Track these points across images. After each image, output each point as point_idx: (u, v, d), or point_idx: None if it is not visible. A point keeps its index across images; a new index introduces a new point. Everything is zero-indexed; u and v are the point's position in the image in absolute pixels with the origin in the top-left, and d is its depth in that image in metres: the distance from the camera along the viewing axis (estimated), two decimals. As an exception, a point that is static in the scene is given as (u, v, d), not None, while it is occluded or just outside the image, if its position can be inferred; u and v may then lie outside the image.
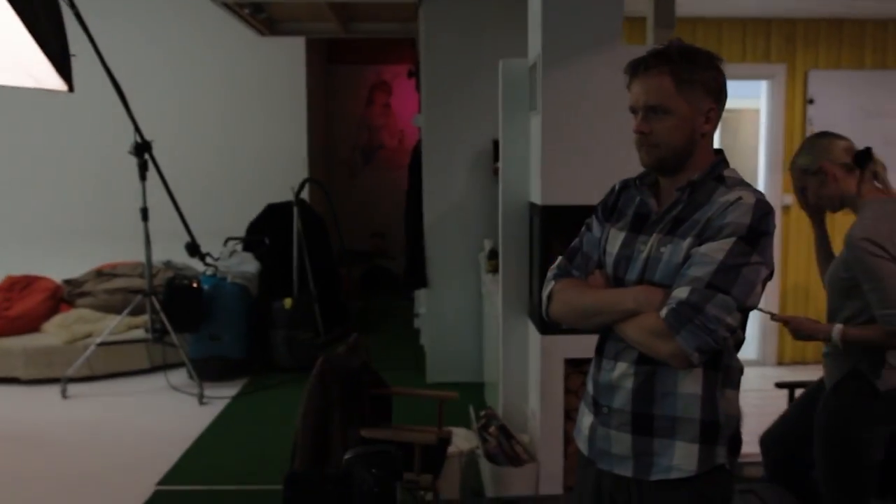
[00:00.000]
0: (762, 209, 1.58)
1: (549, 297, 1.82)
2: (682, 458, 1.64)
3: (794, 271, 5.55)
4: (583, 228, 1.87)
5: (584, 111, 3.15)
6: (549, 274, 1.86)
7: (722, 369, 1.66)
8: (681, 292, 1.56)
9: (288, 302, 5.83)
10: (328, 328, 6.48)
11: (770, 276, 1.61)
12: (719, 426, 1.65)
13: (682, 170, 1.68)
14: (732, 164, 1.73)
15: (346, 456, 1.60)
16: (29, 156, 7.47)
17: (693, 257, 1.58)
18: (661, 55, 1.64)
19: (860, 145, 2.47)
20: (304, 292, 6.16)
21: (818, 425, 2.55)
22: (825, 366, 2.57)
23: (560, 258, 1.87)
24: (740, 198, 1.59)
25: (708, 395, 1.64)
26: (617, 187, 1.85)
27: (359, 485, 1.41)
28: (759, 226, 1.57)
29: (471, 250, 5.47)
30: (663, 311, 1.57)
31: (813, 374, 5.03)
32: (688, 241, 1.61)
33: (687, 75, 1.62)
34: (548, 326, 3.24)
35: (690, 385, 1.63)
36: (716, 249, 1.56)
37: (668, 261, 1.63)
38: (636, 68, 1.67)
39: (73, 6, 4.77)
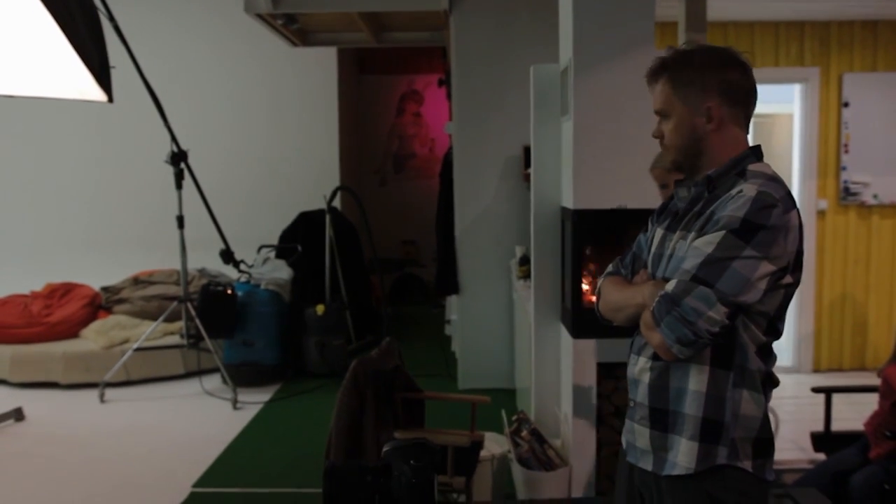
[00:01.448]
0: (762, 201, 1.55)
1: (598, 293, 1.89)
2: (683, 454, 1.65)
3: (830, 281, 5.45)
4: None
5: (616, 115, 3.16)
6: (604, 272, 1.94)
7: (734, 369, 1.63)
8: (669, 285, 1.59)
9: (320, 309, 5.89)
10: (359, 335, 6.53)
11: (782, 272, 1.57)
12: (723, 426, 1.63)
13: (700, 169, 1.70)
14: None
15: (385, 448, 1.62)
16: (67, 166, 7.64)
17: (689, 250, 1.60)
18: (661, 62, 1.71)
19: None
20: (335, 299, 6.21)
21: None
22: None
23: (618, 258, 1.94)
24: (741, 190, 1.58)
25: (713, 393, 1.62)
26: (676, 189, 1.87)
27: (397, 477, 1.43)
28: (754, 219, 1.53)
29: (502, 256, 5.48)
30: (652, 304, 1.61)
31: (849, 380, 4.98)
32: (692, 235, 1.63)
33: (681, 76, 1.67)
34: (580, 331, 3.24)
35: (696, 382, 1.64)
36: (706, 242, 1.57)
37: (677, 255, 1.66)
38: (648, 77, 1.74)
39: (112, 19, 4.89)
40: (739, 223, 1.54)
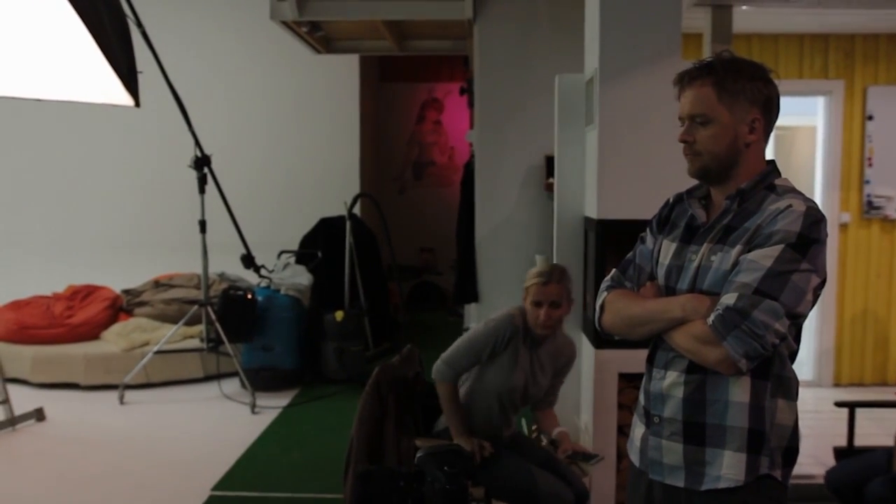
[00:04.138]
0: (813, 217, 1.59)
1: (602, 307, 1.85)
2: (729, 467, 1.64)
3: (852, 295, 5.41)
4: (637, 241, 1.91)
5: (642, 126, 3.15)
6: (603, 285, 1.90)
7: (772, 379, 1.65)
8: (728, 298, 1.57)
9: (339, 314, 5.90)
10: (377, 341, 6.54)
11: (822, 284, 1.61)
12: (765, 435, 1.64)
13: (729, 179, 1.70)
14: None
15: (418, 454, 1.62)
16: (91, 169, 7.72)
17: (741, 264, 1.59)
18: (706, 66, 1.69)
19: None
20: (354, 305, 6.23)
21: None
22: None
23: (614, 270, 1.91)
24: (790, 205, 1.60)
25: (755, 403, 1.63)
26: (671, 200, 1.88)
27: (430, 482, 1.43)
28: (809, 233, 1.57)
29: (521, 265, 5.44)
30: (710, 318, 1.59)
31: (871, 395, 4.92)
32: (737, 249, 1.62)
33: (729, 85, 1.66)
34: (602, 340, 3.23)
35: (739, 394, 1.63)
36: (764, 256, 1.56)
37: (717, 269, 1.64)
38: (682, 79, 1.72)
39: (140, 25, 4.95)
40: (796, 237, 1.57)
